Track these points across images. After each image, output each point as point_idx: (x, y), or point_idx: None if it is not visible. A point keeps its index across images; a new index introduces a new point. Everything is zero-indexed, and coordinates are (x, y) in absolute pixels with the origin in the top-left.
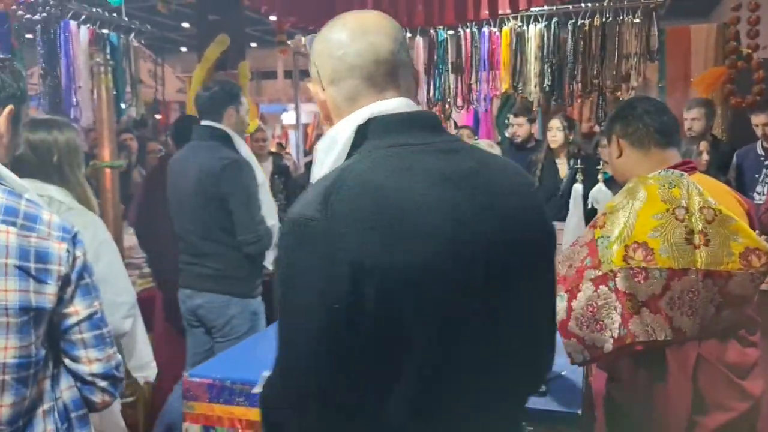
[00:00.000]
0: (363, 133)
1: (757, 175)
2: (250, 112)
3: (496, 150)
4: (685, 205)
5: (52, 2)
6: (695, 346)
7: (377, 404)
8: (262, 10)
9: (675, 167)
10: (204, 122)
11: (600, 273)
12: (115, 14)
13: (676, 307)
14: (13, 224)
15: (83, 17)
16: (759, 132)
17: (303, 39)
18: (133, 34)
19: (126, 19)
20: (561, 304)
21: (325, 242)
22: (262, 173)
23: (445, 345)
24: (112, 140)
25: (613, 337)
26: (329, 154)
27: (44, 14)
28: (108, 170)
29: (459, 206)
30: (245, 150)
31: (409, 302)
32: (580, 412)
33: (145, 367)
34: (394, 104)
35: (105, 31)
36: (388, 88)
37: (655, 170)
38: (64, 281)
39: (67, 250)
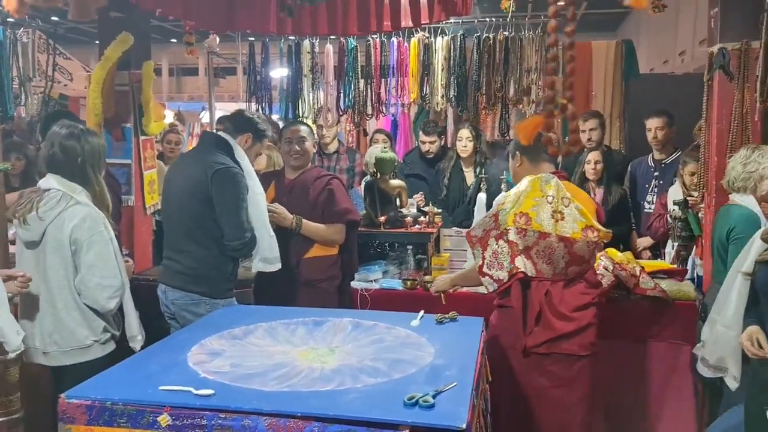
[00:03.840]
0: None
1: (647, 185)
2: (156, 113)
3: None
4: (553, 194)
5: None
6: (547, 285)
7: None
8: (156, 12)
9: (552, 173)
10: (217, 131)
11: (499, 231)
12: None
13: (540, 256)
14: None
15: None
16: (650, 136)
17: (217, 38)
18: (21, 29)
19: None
20: (478, 254)
21: None
22: (260, 185)
23: None
24: None
25: (508, 271)
26: None
27: None
28: None
29: None
30: (245, 162)
31: None
32: (464, 426)
33: (132, 338)
34: None
35: None
36: None
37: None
38: None
39: None
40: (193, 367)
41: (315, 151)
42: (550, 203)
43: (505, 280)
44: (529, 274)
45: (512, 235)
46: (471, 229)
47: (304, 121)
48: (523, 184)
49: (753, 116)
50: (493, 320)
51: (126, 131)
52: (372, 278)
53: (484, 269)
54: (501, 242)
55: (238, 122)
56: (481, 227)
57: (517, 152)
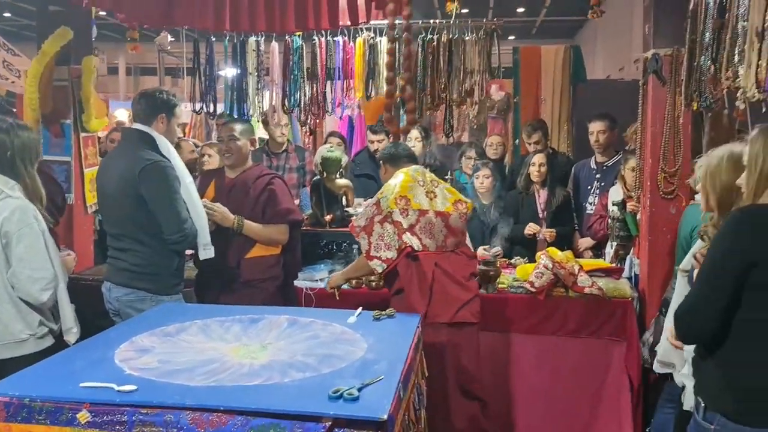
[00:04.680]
0: None
1: (589, 187)
2: (98, 109)
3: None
4: (422, 179)
5: None
6: (434, 257)
7: None
8: (83, 3)
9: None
10: (134, 125)
11: (382, 216)
12: None
13: (423, 232)
14: None
15: None
16: (593, 139)
17: (168, 36)
18: None
19: None
20: (364, 241)
21: None
22: (188, 174)
23: None
24: None
25: (396, 248)
26: None
27: None
28: None
29: None
30: (170, 152)
31: None
32: (385, 417)
33: (68, 331)
34: None
35: None
36: None
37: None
38: None
39: None
40: (119, 363)
41: (253, 149)
42: (423, 186)
43: (394, 258)
44: (416, 249)
45: (396, 216)
46: (354, 220)
47: (247, 119)
48: (398, 176)
49: (682, 119)
50: None
51: (65, 127)
52: (318, 278)
53: (372, 253)
54: (386, 225)
55: (145, 107)
56: (364, 217)
57: (382, 162)
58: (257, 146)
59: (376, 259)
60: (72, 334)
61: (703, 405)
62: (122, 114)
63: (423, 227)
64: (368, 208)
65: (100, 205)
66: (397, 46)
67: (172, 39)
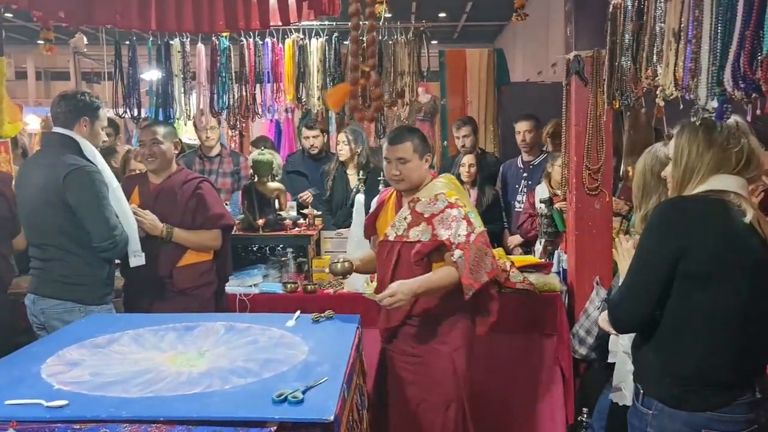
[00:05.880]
0: None
1: (517, 186)
2: (11, 114)
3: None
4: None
5: None
6: None
7: None
8: None
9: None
10: (55, 129)
11: (477, 234)
12: None
13: None
14: None
15: None
16: (519, 138)
17: (84, 38)
18: None
19: None
20: (461, 261)
21: None
22: (115, 179)
23: None
24: None
25: (486, 271)
26: None
27: None
28: None
29: None
30: (95, 157)
31: None
32: (332, 418)
33: None
34: None
35: None
36: None
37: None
38: None
39: None
40: (46, 378)
41: (177, 152)
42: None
43: (485, 281)
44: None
45: (486, 236)
46: (449, 236)
47: (171, 122)
48: (450, 186)
49: (604, 118)
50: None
51: None
52: (251, 282)
53: (468, 276)
54: (480, 245)
55: (66, 110)
56: (456, 232)
57: (428, 153)
58: (180, 149)
59: (471, 282)
60: None
61: (641, 391)
62: (33, 120)
63: None
64: (459, 223)
65: (20, 214)
66: (328, 47)
67: (87, 42)
